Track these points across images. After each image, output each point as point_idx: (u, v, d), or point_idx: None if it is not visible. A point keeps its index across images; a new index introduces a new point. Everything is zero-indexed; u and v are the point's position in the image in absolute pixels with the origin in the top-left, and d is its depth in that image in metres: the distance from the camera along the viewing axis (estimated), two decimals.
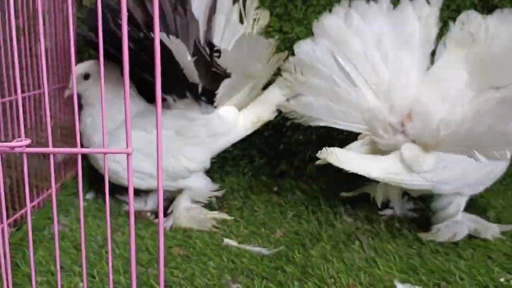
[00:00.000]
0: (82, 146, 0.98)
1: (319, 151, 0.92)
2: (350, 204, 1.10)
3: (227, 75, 0.92)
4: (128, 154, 0.38)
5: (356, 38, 0.94)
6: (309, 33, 1.16)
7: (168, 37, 0.87)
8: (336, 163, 0.91)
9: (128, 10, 1.00)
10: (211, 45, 0.84)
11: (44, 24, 1.00)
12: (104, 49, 0.48)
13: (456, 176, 0.92)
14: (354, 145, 0.99)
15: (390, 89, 0.94)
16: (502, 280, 0.79)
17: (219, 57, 0.87)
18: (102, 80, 0.45)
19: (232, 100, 1.04)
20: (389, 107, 0.94)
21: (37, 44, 0.98)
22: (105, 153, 0.39)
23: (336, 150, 0.92)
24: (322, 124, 0.98)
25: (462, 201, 0.96)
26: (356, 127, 0.97)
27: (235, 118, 1.05)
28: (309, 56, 0.94)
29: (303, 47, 0.95)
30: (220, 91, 0.97)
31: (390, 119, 0.94)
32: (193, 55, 0.90)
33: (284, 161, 1.25)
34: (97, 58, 1.15)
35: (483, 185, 0.95)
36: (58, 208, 1.01)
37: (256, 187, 1.19)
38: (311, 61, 0.94)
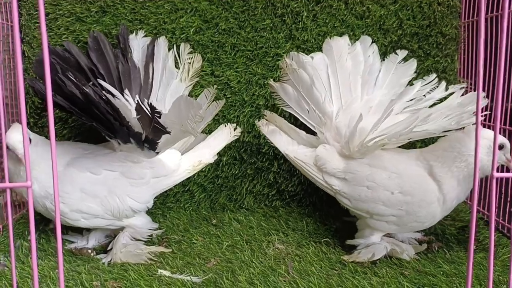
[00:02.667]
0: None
1: (257, 120, 1.18)
2: (283, 232, 1.17)
3: (167, 132, 0.98)
4: (27, 187, 0.44)
5: (350, 61, 1.11)
6: (238, 76, 1.27)
7: (114, 97, 0.94)
8: (265, 133, 1.15)
9: (74, 57, 1.08)
10: (152, 107, 0.91)
11: None
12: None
13: (355, 193, 1.03)
14: (302, 132, 1.14)
15: (349, 107, 1.09)
16: None
17: (159, 117, 0.93)
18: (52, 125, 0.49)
19: (176, 144, 1.12)
20: (347, 120, 1.07)
21: None
22: (8, 188, 0.45)
23: (269, 124, 1.15)
24: (290, 111, 1.14)
25: (378, 225, 1.04)
26: (313, 126, 1.12)
27: (177, 162, 1.12)
28: (308, 58, 1.10)
29: (308, 55, 1.12)
30: (161, 141, 1.03)
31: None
32: (136, 112, 0.94)
33: (223, 195, 1.32)
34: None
35: (398, 224, 1.03)
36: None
37: (195, 221, 1.25)
38: (307, 60, 1.09)
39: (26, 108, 1.20)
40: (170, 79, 1.17)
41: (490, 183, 0.60)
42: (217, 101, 1.16)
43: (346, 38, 1.13)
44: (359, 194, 1.02)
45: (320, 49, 1.14)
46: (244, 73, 1.27)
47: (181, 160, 1.13)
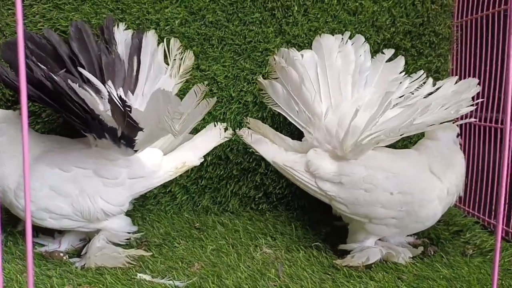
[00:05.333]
0: None
1: (238, 130, 1.09)
2: (271, 236, 1.11)
3: (140, 128, 0.89)
4: None
5: (340, 59, 1.06)
6: (226, 71, 1.21)
7: (98, 92, 0.87)
8: (249, 143, 1.07)
9: (52, 45, 1.00)
10: (122, 99, 0.83)
11: None
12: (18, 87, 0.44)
13: (352, 197, 0.97)
14: (288, 139, 1.08)
15: (338, 106, 1.04)
16: None
17: (130, 111, 0.84)
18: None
19: (157, 143, 1.04)
20: (337, 120, 1.02)
21: None
22: None
23: (253, 133, 1.08)
24: (278, 110, 1.09)
25: (377, 229, 0.99)
26: (301, 125, 1.06)
27: (158, 162, 1.03)
28: (298, 55, 1.05)
29: (298, 52, 1.07)
30: (140, 138, 0.95)
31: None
32: (109, 103, 0.86)
33: (206, 197, 1.25)
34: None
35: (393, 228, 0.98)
36: None
37: (177, 224, 1.17)
38: (297, 58, 1.04)
39: None
40: (158, 74, 1.09)
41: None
42: (207, 99, 1.09)
43: (338, 36, 1.08)
44: (357, 198, 0.96)
45: (311, 45, 1.09)
46: (231, 68, 1.21)
47: (163, 161, 1.04)
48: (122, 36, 1.08)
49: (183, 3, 1.19)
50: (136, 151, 0.97)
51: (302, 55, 1.05)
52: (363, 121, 0.93)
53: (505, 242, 1.05)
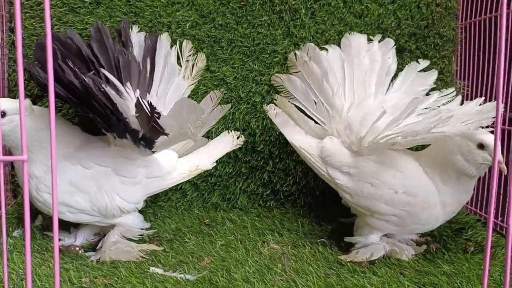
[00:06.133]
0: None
1: (266, 105, 1.15)
2: (278, 233, 1.15)
3: (165, 134, 0.93)
4: (23, 161, 0.41)
5: (367, 59, 1.11)
6: (235, 72, 1.24)
7: (118, 93, 0.91)
8: (272, 118, 1.13)
9: (77, 46, 1.04)
10: (151, 106, 0.87)
11: None
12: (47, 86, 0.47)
13: (358, 189, 1.00)
14: (311, 122, 1.12)
15: (361, 104, 1.07)
16: None
17: (158, 118, 0.89)
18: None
19: (174, 145, 1.08)
20: (359, 116, 1.05)
21: None
22: (2, 161, 0.42)
23: (278, 110, 1.13)
24: (296, 103, 1.12)
25: (378, 224, 1.02)
26: (319, 119, 1.10)
27: (173, 164, 1.08)
28: (323, 51, 1.10)
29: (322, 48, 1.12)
30: (159, 141, 0.99)
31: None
32: (136, 108, 0.90)
33: (216, 194, 1.29)
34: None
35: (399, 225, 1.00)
36: None
37: (188, 220, 1.21)
38: (322, 54, 1.09)
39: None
40: (172, 75, 1.13)
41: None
42: (222, 105, 1.13)
43: (365, 36, 1.13)
44: (362, 190, 1.00)
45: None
46: (240, 70, 1.25)
47: (178, 163, 1.09)
48: (136, 38, 1.12)
49: (194, 6, 1.22)
50: (154, 152, 1.02)
51: (327, 50, 1.11)
52: (384, 122, 0.95)
53: (504, 239, 1.08)
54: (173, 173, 1.07)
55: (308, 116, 1.12)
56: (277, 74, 1.15)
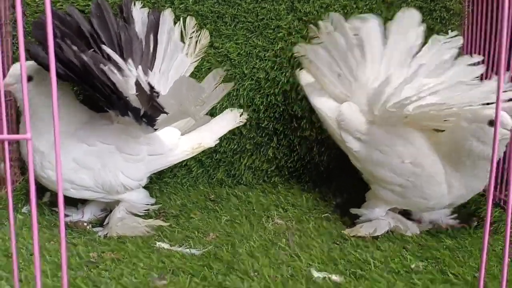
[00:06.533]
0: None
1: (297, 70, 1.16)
2: (283, 208, 1.16)
3: (165, 112, 0.94)
4: (27, 140, 0.42)
5: (413, 32, 1.06)
6: (238, 48, 1.24)
7: (120, 71, 0.91)
8: (299, 79, 1.15)
9: (77, 23, 1.03)
10: (150, 85, 0.87)
11: None
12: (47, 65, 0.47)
13: (367, 154, 1.01)
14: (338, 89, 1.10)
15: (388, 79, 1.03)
16: (413, 266, 0.86)
17: (157, 97, 0.89)
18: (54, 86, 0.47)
19: (176, 124, 1.08)
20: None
21: None
22: (6, 140, 0.42)
23: (305, 74, 1.14)
24: (318, 74, 1.11)
25: (383, 193, 1.02)
26: (342, 92, 1.09)
27: (175, 141, 1.08)
28: (352, 23, 1.06)
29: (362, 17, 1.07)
30: (160, 118, 0.99)
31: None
32: (135, 87, 0.90)
33: (221, 170, 1.30)
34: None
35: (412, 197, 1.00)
36: None
37: (193, 196, 1.23)
38: (347, 25, 1.05)
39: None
40: (175, 52, 1.12)
41: None
42: (225, 83, 1.13)
43: (419, 15, 1.08)
44: (371, 156, 1.00)
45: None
46: (244, 46, 1.24)
47: (180, 140, 1.09)
48: (138, 14, 1.11)
49: None
50: (156, 129, 1.02)
51: (361, 21, 1.06)
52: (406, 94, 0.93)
53: (505, 213, 1.08)
54: (176, 150, 1.07)
55: (298, 105, 1.13)
56: (300, 44, 1.13)
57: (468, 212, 1.11)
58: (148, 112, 0.94)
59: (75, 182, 1.00)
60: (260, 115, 1.27)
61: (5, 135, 0.42)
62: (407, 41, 1.07)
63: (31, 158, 0.42)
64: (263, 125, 1.27)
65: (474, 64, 1.06)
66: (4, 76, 0.97)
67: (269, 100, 1.26)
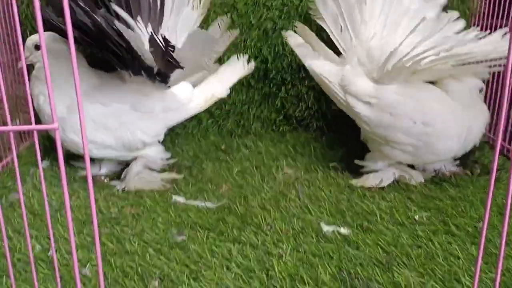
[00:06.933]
0: (39, 121, 1.02)
1: (284, 31, 1.17)
2: (291, 157, 1.19)
3: (180, 67, 0.95)
4: (55, 129, 0.44)
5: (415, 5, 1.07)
6: None
7: (129, 27, 0.91)
8: (292, 45, 1.14)
9: None
10: (166, 40, 0.87)
11: None
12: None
13: (377, 118, 1.02)
14: (330, 52, 1.13)
15: (388, 38, 1.06)
16: (416, 217, 0.91)
17: (173, 51, 0.90)
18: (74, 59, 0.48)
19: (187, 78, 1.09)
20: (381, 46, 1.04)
21: None
22: (35, 130, 0.45)
23: (297, 37, 1.14)
24: (323, 25, 1.12)
25: (393, 153, 1.04)
26: (341, 46, 1.10)
27: (189, 96, 1.10)
28: None
29: None
30: (174, 75, 1.00)
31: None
32: (149, 44, 0.91)
33: (230, 121, 1.32)
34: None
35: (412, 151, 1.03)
36: (15, 177, 1.06)
37: (204, 146, 1.26)
38: None
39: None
40: (181, 6, 1.11)
41: None
42: (230, 30, 1.12)
43: None
44: (381, 120, 1.01)
45: None
46: None
47: (193, 94, 1.11)
48: None
49: None
50: (169, 86, 1.04)
51: None
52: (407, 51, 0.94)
53: (508, 161, 1.12)
54: (190, 104, 1.10)
55: (328, 46, 1.11)
56: None
57: (472, 160, 1.14)
58: (162, 69, 0.95)
59: (97, 141, 1.04)
60: (268, 65, 1.27)
61: (34, 125, 0.44)
62: (402, 4, 1.07)
63: (60, 146, 0.45)
64: (271, 76, 1.28)
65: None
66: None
67: (276, 50, 1.26)
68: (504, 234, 0.48)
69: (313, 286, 0.70)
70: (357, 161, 1.10)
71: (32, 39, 1.03)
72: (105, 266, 0.75)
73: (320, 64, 1.09)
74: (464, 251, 0.78)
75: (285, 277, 0.72)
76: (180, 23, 1.11)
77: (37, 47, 1.02)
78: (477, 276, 0.51)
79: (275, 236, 0.84)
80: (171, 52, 0.89)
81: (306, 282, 0.70)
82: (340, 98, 1.06)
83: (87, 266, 0.75)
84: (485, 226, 0.48)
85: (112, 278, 0.73)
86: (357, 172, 1.10)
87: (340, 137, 1.29)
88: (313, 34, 1.12)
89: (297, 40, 1.12)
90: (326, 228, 0.86)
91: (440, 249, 0.79)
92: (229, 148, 1.26)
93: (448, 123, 0.99)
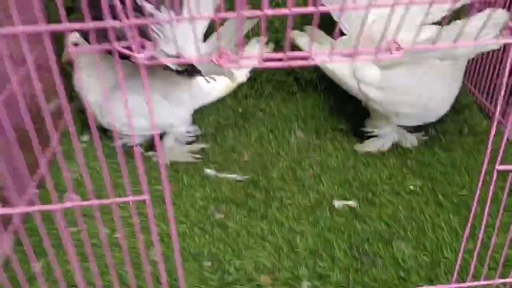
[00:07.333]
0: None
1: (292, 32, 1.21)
2: (302, 119, 1.34)
3: (203, 76, 1.06)
4: (146, 200, 0.60)
5: None
6: None
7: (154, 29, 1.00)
8: (296, 40, 1.21)
9: None
10: (192, 66, 0.97)
11: None
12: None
13: (388, 99, 1.14)
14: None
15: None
16: (411, 187, 1.08)
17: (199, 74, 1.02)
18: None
19: None
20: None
21: None
22: (130, 201, 0.60)
23: (301, 36, 1.21)
24: (328, 7, 1.18)
25: (398, 121, 1.18)
26: (346, 30, 1.18)
27: (213, 83, 1.18)
28: None
29: None
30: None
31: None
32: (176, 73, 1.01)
33: (245, 86, 1.44)
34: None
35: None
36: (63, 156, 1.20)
37: (222, 111, 1.40)
38: None
39: None
40: None
41: None
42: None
43: None
44: (392, 99, 1.12)
45: None
46: None
47: (216, 81, 1.18)
48: None
49: None
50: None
51: None
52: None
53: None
54: (213, 91, 1.22)
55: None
56: None
57: (460, 120, 1.30)
58: (188, 71, 1.07)
59: (133, 126, 1.17)
60: (278, 35, 1.36)
61: (130, 198, 0.59)
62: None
63: (152, 218, 0.61)
64: (280, 44, 1.37)
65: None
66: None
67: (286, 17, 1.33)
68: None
69: (331, 263, 0.89)
70: (362, 129, 1.25)
71: (70, 38, 1.11)
72: (163, 248, 0.92)
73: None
74: (447, 224, 0.97)
75: (308, 254, 0.91)
76: (201, 7, 1.17)
77: (75, 45, 1.10)
78: (461, 253, 0.67)
79: (295, 212, 1.02)
80: (198, 74, 1.01)
81: (325, 259, 0.90)
82: (353, 87, 1.17)
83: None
84: (472, 215, 0.63)
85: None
86: (361, 134, 1.25)
87: (346, 97, 1.41)
88: (319, 30, 1.18)
89: (305, 39, 1.20)
90: (337, 204, 1.04)
91: (430, 222, 0.98)
92: (245, 112, 1.39)
93: (445, 89, 1.13)
